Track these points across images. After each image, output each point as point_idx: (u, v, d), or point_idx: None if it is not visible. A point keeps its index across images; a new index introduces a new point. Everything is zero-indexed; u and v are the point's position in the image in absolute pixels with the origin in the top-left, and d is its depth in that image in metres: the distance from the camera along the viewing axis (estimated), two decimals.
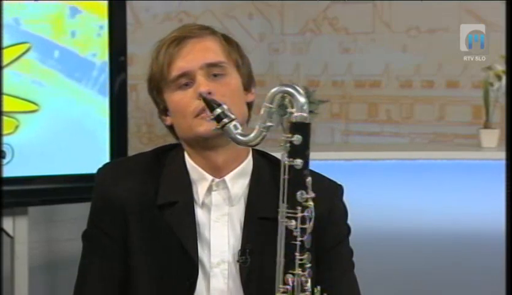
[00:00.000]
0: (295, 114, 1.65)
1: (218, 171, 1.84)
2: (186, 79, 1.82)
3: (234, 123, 1.68)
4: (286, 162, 1.65)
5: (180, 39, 1.84)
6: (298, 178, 1.65)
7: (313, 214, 1.65)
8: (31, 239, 3.24)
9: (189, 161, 1.86)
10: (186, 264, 1.80)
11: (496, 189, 2.76)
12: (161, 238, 1.81)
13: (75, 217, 2.98)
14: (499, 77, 3.42)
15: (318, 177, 1.87)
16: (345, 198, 1.92)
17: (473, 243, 3.48)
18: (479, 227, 3.46)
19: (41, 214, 3.50)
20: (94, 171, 1.90)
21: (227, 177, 1.84)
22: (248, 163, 1.86)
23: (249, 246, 1.80)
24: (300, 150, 1.65)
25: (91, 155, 3.05)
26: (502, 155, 2.56)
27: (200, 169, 1.84)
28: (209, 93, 1.78)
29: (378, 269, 3.43)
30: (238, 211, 1.84)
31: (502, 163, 2.48)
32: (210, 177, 1.84)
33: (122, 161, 2.08)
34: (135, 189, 1.84)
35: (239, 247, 1.81)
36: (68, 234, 3.54)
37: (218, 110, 1.68)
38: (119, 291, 1.84)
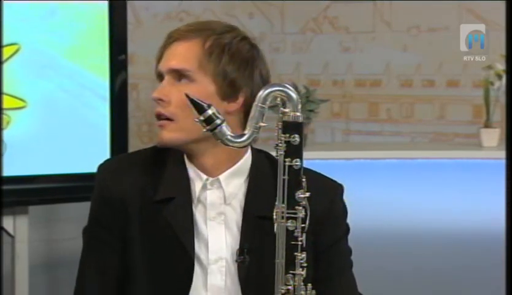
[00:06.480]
0: (291, 114, 1.64)
1: (209, 172, 1.83)
2: (162, 80, 1.84)
3: (224, 125, 1.62)
4: (286, 162, 1.64)
5: (167, 38, 1.84)
6: (296, 178, 1.64)
7: (308, 213, 1.66)
8: (32, 238, 3.24)
9: (186, 159, 1.86)
10: (182, 259, 1.80)
11: (497, 188, 2.76)
12: (159, 233, 1.81)
13: (75, 216, 2.97)
14: (499, 76, 3.42)
15: (318, 177, 1.87)
16: (345, 198, 1.91)
17: (473, 242, 3.48)
18: (479, 226, 3.46)
19: (41, 213, 3.49)
20: (95, 170, 1.90)
21: (221, 177, 1.83)
22: (245, 162, 1.85)
23: (247, 245, 1.80)
24: (298, 150, 1.64)
25: (91, 154, 3.05)
26: (502, 154, 2.56)
27: (195, 168, 1.84)
28: (160, 99, 1.78)
29: (378, 268, 3.43)
30: (234, 210, 1.83)
31: (502, 163, 2.48)
32: (204, 176, 1.83)
33: (123, 157, 2.08)
34: (136, 185, 1.84)
35: (236, 246, 1.81)
36: (68, 233, 3.53)
37: (209, 112, 1.62)
38: (118, 285, 1.84)
